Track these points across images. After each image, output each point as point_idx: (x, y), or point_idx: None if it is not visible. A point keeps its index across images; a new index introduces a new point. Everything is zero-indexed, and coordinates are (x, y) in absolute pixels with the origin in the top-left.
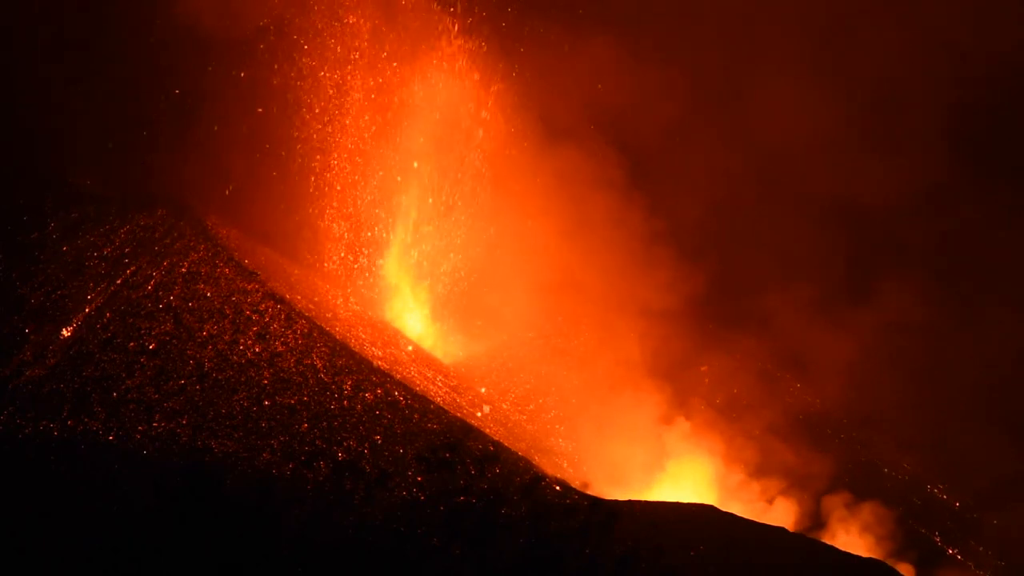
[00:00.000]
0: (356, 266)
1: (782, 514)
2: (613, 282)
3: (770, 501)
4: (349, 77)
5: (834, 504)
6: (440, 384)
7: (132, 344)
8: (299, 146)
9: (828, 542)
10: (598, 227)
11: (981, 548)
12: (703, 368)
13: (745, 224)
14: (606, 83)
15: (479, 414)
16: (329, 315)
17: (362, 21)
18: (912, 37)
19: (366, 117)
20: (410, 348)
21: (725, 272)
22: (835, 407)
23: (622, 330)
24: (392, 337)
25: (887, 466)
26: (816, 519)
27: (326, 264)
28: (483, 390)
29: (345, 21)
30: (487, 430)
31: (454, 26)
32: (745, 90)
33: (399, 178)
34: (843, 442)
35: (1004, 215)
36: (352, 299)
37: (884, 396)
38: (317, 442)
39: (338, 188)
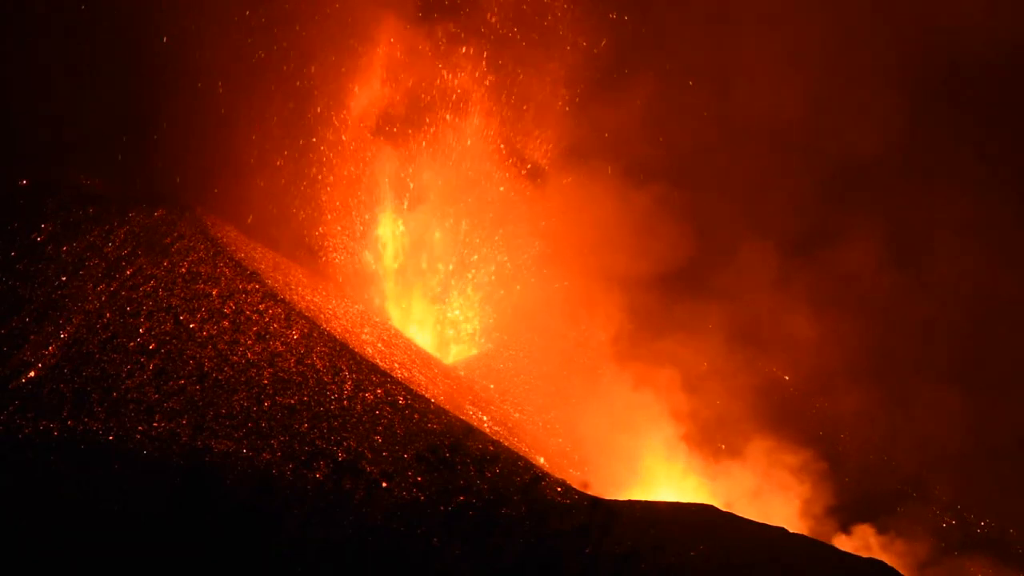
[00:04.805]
0: (356, 266)
1: (739, 483)
2: (590, 255)
3: (723, 466)
4: (352, 81)
5: (791, 473)
6: (440, 384)
7: (132, 344)
8: (300, 147)
9: (781, 509)
10: (578, 204)
11: (936, 513)
12: (671, 344)
13: (712, 189)
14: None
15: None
16: (329, 315)
17: (374, 27)
18: None
19: (368, 120)
20: (410, 348)
21: (690, 243)
22: (795, 376)
23: (600, 304)
24: (392, 337)
25: (847, 436)
26: (774, 489)
27: (326, 264)
28: (491, 386)
29: (355, 27)
30: (487, 430)
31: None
32: (722, 56)
33: (399, 180)
34: (803, 411)
35: (967, 177)
36: (352, 299)
37: (843, 364)
38: (317, 442)
39: (338, 189)
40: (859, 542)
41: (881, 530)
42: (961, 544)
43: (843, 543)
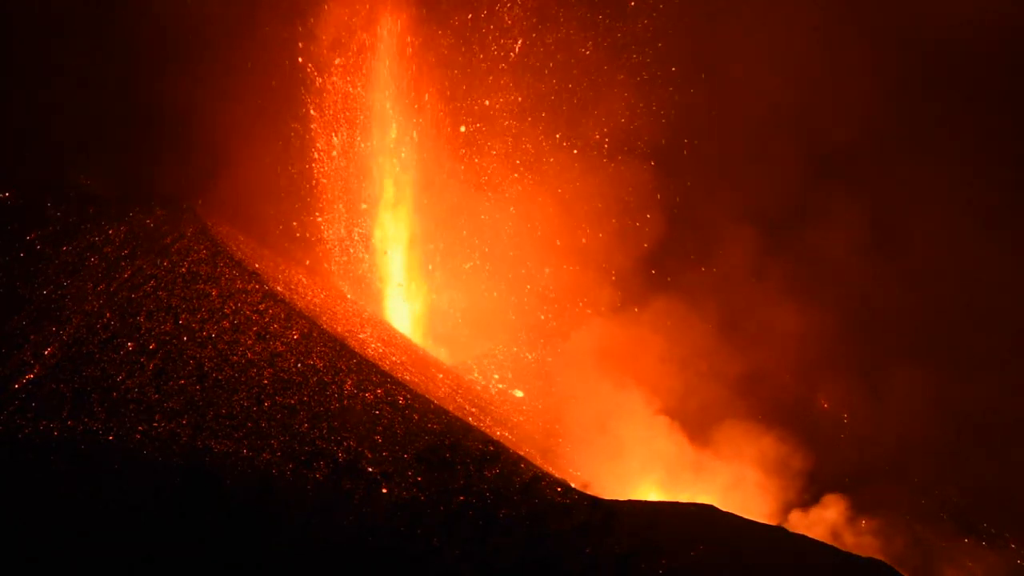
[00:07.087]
0: (356, 267)
1: (722, 474)
2: (578, 244)
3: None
4: (350, 81)
5: (772, 461)
6: (440, 384)
7: (132, 344)
8: (300, 148)
9: (763, 495)
10: (567, 194)
11: (914, 495)
12: (662, 337)
13: (695, 176)
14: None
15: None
16: (329, 315)
17: (369, 28)
18: None
19: (367, 119)
20: (410, 348)
21: (673, 230)
22: (777, 364)
23: (590, 298)
24: (392, 337)
25: (825, 421)
26: (756, 478)
27: (326, 264)
28: (496, 388)
29: (352, 29)
30: (487, 430)
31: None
32: (705, 42)
33: (397, 178)
34: (784, 398)
35: (949, 161)
36: (352, 299)
37: (822, 352)
38: (317, 442)
39: (338, 189)
40: (839, 526)
41: (860, 512)
42: (938, 523)
43: (825, 528)
